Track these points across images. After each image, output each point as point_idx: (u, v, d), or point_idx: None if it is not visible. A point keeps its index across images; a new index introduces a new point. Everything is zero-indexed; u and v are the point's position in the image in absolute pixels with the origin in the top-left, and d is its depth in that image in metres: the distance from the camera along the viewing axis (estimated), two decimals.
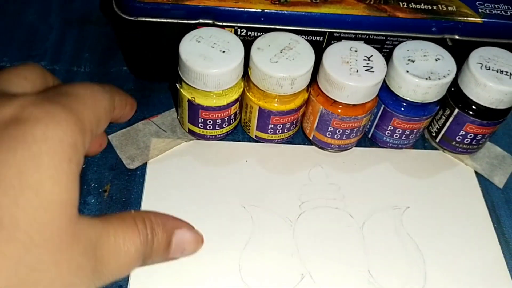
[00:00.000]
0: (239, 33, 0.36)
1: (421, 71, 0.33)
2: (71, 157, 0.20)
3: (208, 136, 0.37)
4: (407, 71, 0.33)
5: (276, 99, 0.34)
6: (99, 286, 0.22)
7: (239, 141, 0.38)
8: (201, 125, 0.36)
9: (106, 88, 0.25)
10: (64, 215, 0.19)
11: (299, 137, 0.39)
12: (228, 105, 0.34)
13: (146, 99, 0.40)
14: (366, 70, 0.33)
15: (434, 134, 0.38)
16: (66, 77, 0.41)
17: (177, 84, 0.35)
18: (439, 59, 0.34)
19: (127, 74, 0.42)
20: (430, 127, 0.39)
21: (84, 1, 0.48)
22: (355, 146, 0.39)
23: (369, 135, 0.39)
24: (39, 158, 0.19)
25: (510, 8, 0.37)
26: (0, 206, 0.18)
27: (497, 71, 0.33)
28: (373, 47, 0.37)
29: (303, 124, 0.38)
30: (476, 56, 0.34)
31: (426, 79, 0.33)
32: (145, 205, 0.34)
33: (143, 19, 0.35)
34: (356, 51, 0.34)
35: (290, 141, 0.39)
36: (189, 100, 0.34)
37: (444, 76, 0.33)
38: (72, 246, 0.20)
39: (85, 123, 0.21)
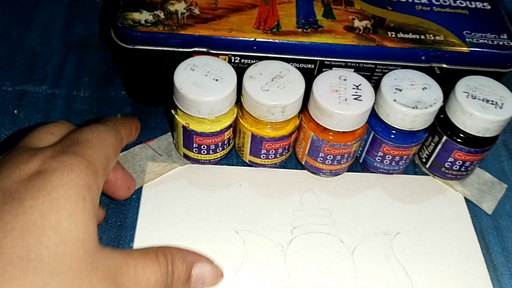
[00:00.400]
0: (233, 61, 0.37)
1: (408, 100, 0.34)
2: (85, 196, 0.24)
3: (202, 161, 0.38)
4: (395, 100, 0.34)
5: (268, 126, 0.35)
6: None
7: (233, 165, 0.39)
8: (195, 150, 0.37)
9: (111, 124, 0.29)
10: (82, 247, 0.23)
11: (292, 162, 0.40)
12: (222, 131, 0.35)
13: (143, 123, 0.41)
14: (355, 99, 0.33)
15: (424, 160, 0.39)
16: (66, 101, 0.42)
17: (172, 110, 0.36)
18: (426, 88, 0.35)
19: (125, 98, 0.43)
20: (420, 153, 0.39)
21: (85, 26, 0.49)
22: (347, 171, 0.39)
23: (361, 160, 0.40)
24: (57, 201, 0.23)
25: (497, 37, 0.38)
26: (28, 244, 0.21)
27: (483, 100, 0.34)
28: (363, 74, 0.38)
29: (296, 149, 0.39)
30: (463, 85, 0.35)
31: (413, 107, 0.33)
32: (140, 229, 0.35)
33: (140, 47, 0.36)
34: (345, 79, 0.35)
35: (283, 165, 0.40)
36: (183, 126, 0.35)
37: (431, 105, 0.34)
38: (90, 274, 0.23)
39: (95, 165, 0.25)
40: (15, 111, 0.41)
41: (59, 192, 0.23)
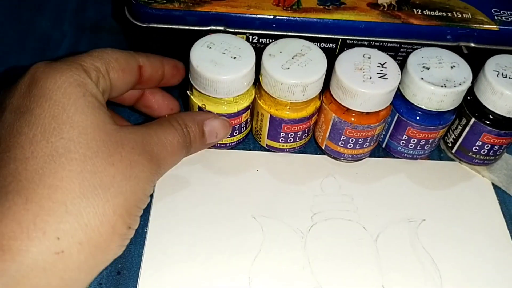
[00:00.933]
0: (250, 40, 0.36)
1: (436, 78, 0.32)
2: (83, 92, 0.26)
3: (218, 145, 0.36)
4: (422, 78, 0.32)
5: (288, 107, 0.34)
6: (158, 175, 0.29)
7: (250, 150, 0.38)
8: None
9: (125, 51, 0.31)
10: (101, 131, 0.25)
11: (311, 147, 0.38)
12: (239, 113, 0.34)
13: None
14: (380, 77, 0.32)
15: (450, 145, 0.37)
16: None
17: (188, 91, 0.34)
18: (454, 66, 0.33)
19: None
20: (446, 137, 0.38)
21: (98, 9, 0.48)
22: (369, 156, 0.38)
23: (383, 145, 0.38)
24: (60, 102, 0.25)
25: None
26: (53, 143, 0.24)
27: None
28: (387, 54, 0.36)
29: (315, 133, 0.37)
30: (493, 64, 0.33)
31: (442, 86, 0.32)
32: (154, 214, 0.33)
33: (155, 25, 0.35)
34: (369, 57, 0.33)
35: (302, 150, 0.38)
36: (199, 108, 0.34)
37: (460, 84, 0.32)
38: (118, 149, 0.26)
39: (87, 66, 0.27)
40: None
41: (58, 94, 0.25)
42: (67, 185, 0.23)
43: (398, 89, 0.34)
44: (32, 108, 0.25)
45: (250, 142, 0.38)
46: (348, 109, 0.33)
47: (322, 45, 0.36)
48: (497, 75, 0.33)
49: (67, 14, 0.47)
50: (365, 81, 0.32)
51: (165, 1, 0.35)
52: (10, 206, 0.22)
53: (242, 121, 0.35)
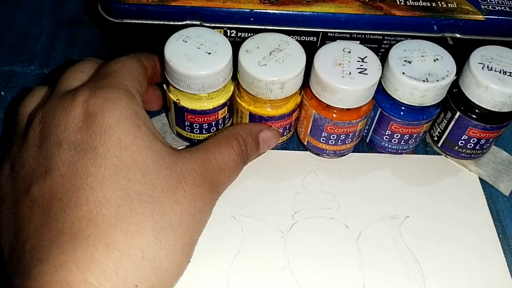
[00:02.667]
0: (229, 34, 0.35)
1: (418, 72, 0.31)
2: (138, 123, 0.26)
3: (195, 140, 0.35)
4: (403, 73, 0.31)
5: (267, 104, 0.33)
6: (216, 200, 0.29)
7: None
8: (188, 129, 0.34)
9: (131, 55, 0.31)
10: (162, 167, 0.25)
11: (294, 142, 0.38)
12: (215, 109, 0.33)
13: None
14: (360, 72, 0.31)
15: (435, 138, 0.36)
16: (55, 81, 0.40)
17: (164, 85, 0.33)
18: (437, 59, 0.32)
19: None
20: (432, 130, 0.37)
21: (76, 3, 0.47)
22: (353, 152, 0.37)
23: (367, 140, 0.37)
24: (122, 140, 0.25)
25: None
26: (123, 185, 0.24)
27: (500, 72, 0.31)
28: (370, 47, 0.35)
29: (297, 129, 0.36)
30: (478, 56, 0.32)
31: (424, 81, 0.31)
32: None
33: (129, 21, 0.34)
34: (349, 52, 0.32)
35: (284, 146, 0.37)
36: (174, 102, 0.33)
37: (443, 78, 0.31)
38: (181, 184, 0.26)
39: (130, 90, 0.27)
40: (2, 93, 0.39)
41: (118, 131, 0.25)
42: (142, 230, 0.23)
43: (381, 83, 0.33)
44: (95, 146, 0.24)
45: None
46: (328, 105, 0.32)
47: (303, 38, 0.35)
48: (482, 67, 0.32)
49: (46, 9, 0.46)
50: (344, 77, 0.30)
51: None
52: (93, 253, 0.22)
53: (219, 118, 0.34)
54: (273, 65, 0.31)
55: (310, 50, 0.33)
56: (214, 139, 0.30)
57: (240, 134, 0.31)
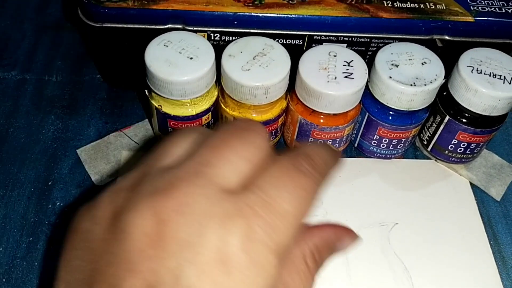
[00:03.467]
0: (212, 38, 0.34)
1: (405, 76, 0.30)
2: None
3: None
4: (390, 77, 0.30)
5: (252, 109, 0.32)
6: None
7: None
8: None
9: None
10: None
11: (281, 147, 0.37)
12: (198, 115, 0.32)
13: (119, 109, 0.38)
14: (346, 77, 0.30)
15: (425, 143, 0.36)
16: (37, 87, 0.39)
17: (146, 91, 0.32)
18: (425, 62, 0.31)
19: (100, 82, 0.40)
20: (421, 134, 0.36)
21: (60, 6, 0.46)
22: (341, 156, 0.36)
23: (355, 145, 0.36)
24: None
25: (505, 4, 0.34)
26: None
27: (490, 75, 0.31)
28: (357, 49, 0.34)
29: (284, 134, 0.36)
30: (467, 59, 0.31)
31: (411, 85, 0.30)
32: None
33: (109, 25, 0.33)
34: (335, 55, 0.31)
35: None
36: (156, 108, 0.32)
37: (431, 82, 0.30)
38: None
39: (284, 248, 0.18)
40: None
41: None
42: None
43: (368, 87, 0.32)
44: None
45: None
46: (314, 111, 0.31)
47: (288, 41, 0.34)
48: (472, 70, 0.31)
49: (29, 12, 0.45)
50: (330, 82, 0.30)
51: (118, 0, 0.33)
52: None
53: (203, 123, 0.33)
54: (257, 70, 0.30)
55: (297, 54, 0.32)
56: (291, 255, 0.22)
57: (319, 251, 0.23)
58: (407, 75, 0.30)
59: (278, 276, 0.18)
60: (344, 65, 0.31)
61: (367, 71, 0.31)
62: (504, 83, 0.30)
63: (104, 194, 0.19)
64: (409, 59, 0.31)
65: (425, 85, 0.30)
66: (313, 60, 0.31)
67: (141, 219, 0.17)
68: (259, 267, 0.17)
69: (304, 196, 0.19)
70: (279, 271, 0.18)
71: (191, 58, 0.30)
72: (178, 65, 0.30)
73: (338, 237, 0.23)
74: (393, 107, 0.31)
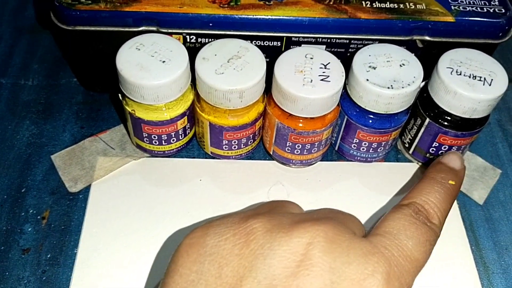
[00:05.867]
0: (188, 40, 0.33)
1: (383, 79, 0.30)
2: None
3: (156, 152, 0.34)
4: (367, 79, 0.29)
5: (227, 113, 0.31)
6: None
7: (193, 157, 0.35)
8: (146, 140, 0.33)
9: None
10: None
11: (260, 151, 0.36)
12: (173, 120, 0.31)
13: (96, 113, 0.37)
14: (322, 80, 0.29)
15: (407, 145, 0.35)
16: (12, 91, 0.38)
17: (119, 95, 0.32)
18: (404, 64, 0.30)
19: (77, 86, 0.39)
20: (403, 137, 0.35)
21: (38, 8, 0.45)
22: (321, 160, 0.35)
23: (336, 148, 0.35)
24: None
25: (487, 3, 0.34)
26: None
27: (470, 77, 0.30)
28: (336, 50, 0.34)
29: (263, 138, 0.35)
30: (447, 60, 0.31)
31: (388, 88, 0.29)
32: (85, 233, 0.31)
33: (81, 28, 0.32)
34: (312, 58, 0.30)
35: (250, 156, 0.36)
36: (130, 113, 0.31)
37: (409, 84, 0.29)
38: None
39: None
40: None
41: None
42: None
43: (346, 90, 0.32)
44: None
45: (194, 148, 0.36)
46: (291, 114, 0.31)
47: (266, 43, 0.33)
48: (451, 72, 0.30)
49: (6, 14, 0.44)
50: (305, 85, 0.29)
51: (90, 2, 0.32)
52: None
53: (178, 128, 0.32)
54: (231, 73, 0.29)
55: (275, 55, 0.31)
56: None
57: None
58: (385, 77, 0.30)
59: None
60: (320, 67, 0.30)
61: (343, 74, 0.30)
62: (484, 84, 0.30)
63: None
64: (387, 61, 0.30)
65: (402, 87, 0.29)
66: (289, 63, 0.30)
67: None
68: None
69: (429, 247, 0.22)
70: None
71: (164, 61, 0.29)
72: (150, 68, 0.29)
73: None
74: (371, 110, 0.30)
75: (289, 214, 0.22)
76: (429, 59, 0.32)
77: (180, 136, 0.33)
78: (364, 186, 0.34)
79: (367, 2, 0.33)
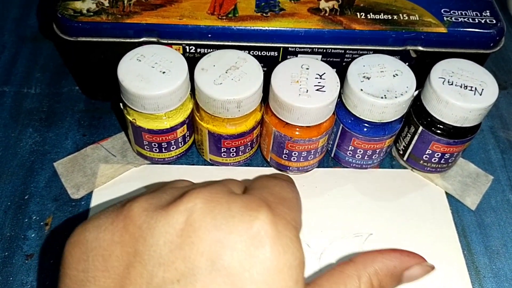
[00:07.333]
0: (188, 51, 0.34)
1: (376, 89, 0.30)
2: (297, 279, 0.19)
3: (156, 159, 0.35)
4: (362, 89, 0.30)
5: (226, 122, 0.32)
6: None
7: (193, 164, 0.36)
8: (146, 148, 0.34)
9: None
10: None
11: (258, 158, 0.37)
12: (173, 128, 0.32)
13: (97, 121, 0.38)
14: (317, 90, 0.30)
15: (401, 152, 0.36)
16: (15, 99, 0.39)
17: (121, 104, 0.33)
18: (397, 74, 0.31)
19: (78, 94, 0.40)
20: (397, 144, 0.36)
21: (41, 17, 0.46)
22: (318, 167, 0.36)
23: (332, 155, 0.36)
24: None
25: (478, 15, 0.35)
26: None
27: (461, 86, 0.31)
28: (332, 60, 0.35)
29: (261, 145, 0.36)
30: (439, 70, 0.32)
31: (382, 97, 0.30)
32: None
33: (84, 39, 0.33)
34: (307, 68, 0.31)
35: (248, 163, 0.36)
36: (131, 122, 0.32)
37: (402, 94, 0.30)
38: None
39: (298, 230, 0.21)
40: None
41: (275, 279, 0.19)
42: None
43: (341, 99, 0.32)
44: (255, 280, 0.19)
45: (193, 156, 0.37)
46: (287, 123, 0.31)
47: (264, 53, 0.34)
48: (443, 82, 0.31)
49: (8, 23, 0.45)
50: (301, 95, 0.30)
51: (92, 14, 0.33)
52: None
53: (178, 136, 0.33)
54: (229, 84, 0.30)
55: (272, 65, 0.32)
56: (342, 275, 0.22)
57: (377, 275, 0.23)
58: (378, 87, 0.31)
59: (300, 247, 0.20)
60: (316, 78, 0.31)
61: (338, 84, 0.31)
62: (475, 94, 0.30)
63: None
64: (381, 71, 0.31)
65: (396, 97, 0.30)
66: (286, 73, 0.31)
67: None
68: (286, 238, 0.19)
69: (293, 188, 0.24)
70: (301, 244, 0.20)
71: (164, 72, 0.30)
72: (150, 79, 0.30)
73: (405, 265, 0.24)
74: (365, 119, 0.31)
75: (172, 191, 0.21)
76: (422, 69, 0.33)
77: (179, 144, 0.34)
78: (359, 192, 0.35)
79: (361, 14, 0.34)
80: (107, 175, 0.35)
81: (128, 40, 0.33)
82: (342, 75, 0.32)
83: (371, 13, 0.34)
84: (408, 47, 0.34)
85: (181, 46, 0.34)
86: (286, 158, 0.34)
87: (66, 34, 0.33)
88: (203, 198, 0.19)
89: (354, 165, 0.35)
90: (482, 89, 0.31)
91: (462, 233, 0.34)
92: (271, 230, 0.19)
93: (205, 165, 0.36)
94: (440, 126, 0.32)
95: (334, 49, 0.34)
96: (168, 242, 0.18)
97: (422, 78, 0.32)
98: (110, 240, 0.19)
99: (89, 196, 0.34)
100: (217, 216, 0.19)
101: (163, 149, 0.33)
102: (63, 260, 0.20)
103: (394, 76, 0.31)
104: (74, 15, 0.33)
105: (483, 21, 0.34)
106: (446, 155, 0.34)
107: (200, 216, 0.19)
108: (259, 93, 0.31)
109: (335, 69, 0.32)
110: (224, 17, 0.33)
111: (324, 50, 0.34)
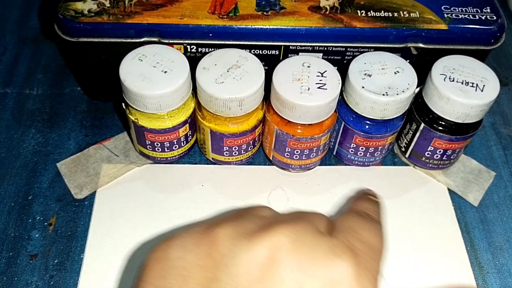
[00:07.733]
0: (189, 50, 0.34)
1: (378, 86, 0.31)
2: None
3: (159, 159, 0.35)
4: (363, 87, 0.30)
5: (228, 121, 0.32)
6: None
7: (195, 163, 0.36)
8: (149, 147, 0.34)
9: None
10: None
11: (261, 157, 0.37)
12: (175, 128, 0.32)
13: (99, 121, 0.38)
14: (318, 88, 0.30)
15: (403, 149, 0.36)
16: (17, 101, 0.39)
17: (123, 104, 0.33)
18: (398, 72, 0.31)
19: (80, 94, 0.40)
20: (399, 141, 0.36)
21: (42, 19, 0.46)
22: (320, 164, 0.36)
23: (334, 152, 0.36)
24: None
25: (479, 11, 0.35)
26: None
27: (462, 83, 0.31)
28: (333, 58, 0.35)
29: (263, 143, 0.36)
30: (440, 67, 0.32)
31: (383, 95, 0.30)
32: (91, 239, 0.32)
33: (85, 39, 0.33)
34: (309, 66, 0.31)
35: (250, 161, 0.36)
36: (133, 122, 0.32)
37: (403, 91, 0.30)
38: None
39: (378, 280, 0.20)
40: None
41: None
42: None
43: (343, 97, 0.32)
44: None
45: (196, 155, 0.37)
46: (289, 121, 0.32)
47: (265, 52, 0.34)
48: (444, 78, 0.31)
49: (9, 24, 0.45)
50: (303, 93, 0.30)
51: (93, 14, 0.33)
52: None
53: (180, 135, 0.33)
54: (231, 83, 0.30)
55: (273, 64, 0.32)
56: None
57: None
58: (380, 84, 0.31)
59: None
60: (317, 75, 0.31)
61: (340, 82, 0.31)
62: (476, 90, 0.30)
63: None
64: (382, 69, 0.31)
65: (397, 94, 0.30)
66: (287, 71, 0.31)
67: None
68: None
69: (381, 235, 0.22)
70: None
71: (165, 71, 0.30)
72: (152, 79, 0.30)
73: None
74: (367, 116, 0.31)
75: (256, 219, 0.21)
76: (423, 66, 0.33)
77: (182, 143, 0.34)
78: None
79: (362, 12, 0.34)
80: (110, 175, 0.35)
81: (129, 40, 0.33)
82: (343, 72, 0.32)
83: (371, 11, 0.34)
84: (409, 44, 0.34)
85: (182, 46, 0.34)
86: (288, 156, 0.34)
87: (67, 34, 0.33)
88: (289, 236, 0.19)
89: (356, 162, 0.36)
90: (484, 85, 0.31)
91: (465, 229, 0.34)
92: (352, 279, 0.19)
93: (207, 164, 0.36)
94: (442, 123, 0.32)
95: (335, 47, 0.34)
96: (249, 274, 0.18)
97: (423, 75, 0.32)
98: (193, 263, 0.19)
99: (92, 196, 0.34)
100: (301, 258, 0.19)
101: (166, 148, 0.34)
102: (142, 273, 0.20)
103: (395, 73, 0.31)
104: (75, 15, 0.33)
105: (483, 18, 0.34)
106: (448, 151, 0.34)
107: (284, 254, 0.19)
108: (261, 92, 0.31)
109: (336, 67, 0.32)
110: (225, 16, 0.33)
111: (325, 48, 0.34)
